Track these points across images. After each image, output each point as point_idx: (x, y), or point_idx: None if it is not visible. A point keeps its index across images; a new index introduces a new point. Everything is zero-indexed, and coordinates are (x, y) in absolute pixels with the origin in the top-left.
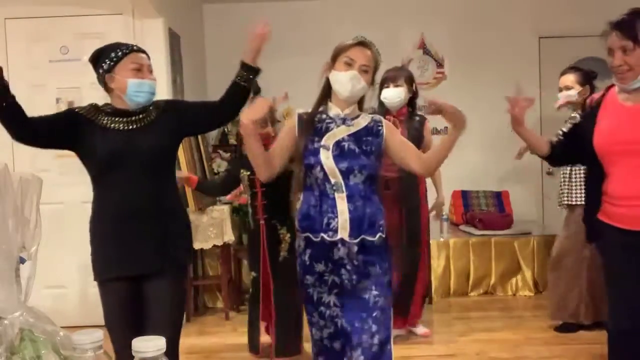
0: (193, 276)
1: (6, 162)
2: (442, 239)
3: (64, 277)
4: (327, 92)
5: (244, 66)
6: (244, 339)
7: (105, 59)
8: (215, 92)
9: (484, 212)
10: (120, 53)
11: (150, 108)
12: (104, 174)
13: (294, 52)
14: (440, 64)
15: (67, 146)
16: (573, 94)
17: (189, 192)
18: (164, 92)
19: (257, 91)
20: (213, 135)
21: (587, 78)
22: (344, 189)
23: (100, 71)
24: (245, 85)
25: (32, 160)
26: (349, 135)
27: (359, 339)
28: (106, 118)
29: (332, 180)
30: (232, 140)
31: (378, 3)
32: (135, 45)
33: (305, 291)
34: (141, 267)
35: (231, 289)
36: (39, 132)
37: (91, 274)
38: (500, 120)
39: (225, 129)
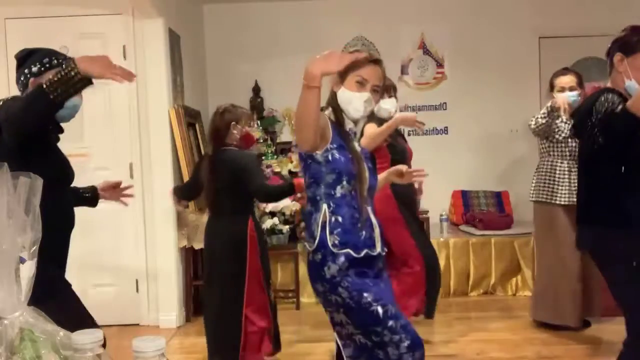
0: (193, 276)
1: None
2: (442, 239)
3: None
4: (336, 105)
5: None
6: None
7: (37, 62)
8: (215, 92)
9: (484, 212)
10: (55, 61)
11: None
12: (54, 188)
13: (293, 51)
14: (440, 64)
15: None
16: (575, 95)
17: None
18: (164, 92)
19: (257, 90)
20: None
21: (582, 80)
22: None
23: (26, 71)
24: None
25: None
26: (362, 152)
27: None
28: (50, 127)
29: (365, 193)
30: None
31: (378, 3)
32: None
33: (369, 311)
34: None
35: None
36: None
37: (91, 273)
38: (500, 119)
39: None
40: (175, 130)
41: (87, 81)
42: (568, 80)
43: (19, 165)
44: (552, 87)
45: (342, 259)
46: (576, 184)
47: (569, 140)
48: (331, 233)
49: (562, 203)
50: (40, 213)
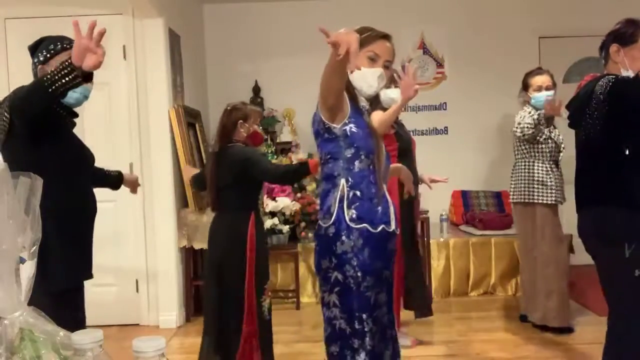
0: (193, 276)
1: (6, 162)
2: (442, 239)
3: None
4: (349, 83)
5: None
6: None
7: (43, 50)
8: (215, 92)
9: (484, 212)
10: (59, 47)
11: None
12: (71, 174)
13: (293, 51)
14: (440, 64)
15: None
16: (552, 94)
17: (189, 191)
18: (164, 92)
19: (257, 90)
20: (213, 134)
21: (555, 81)
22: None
23: (35, 60)
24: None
25: None
26: None
27: (394, 329)
28: (64, 114)
29: (382, 169)
30: None
31: (378, 3)
32: None
33: (364, 296)
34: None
35: None
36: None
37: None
38: (500, 119)
39: None
40: (175, 130)
41: (81, 74)
42: (545, 79)
43: (34, 153)
44: (526, 87)
45: (356, 234)
46: (558, 184)
47: (549, 141)
48: (349, 207)
49: (548, 202)
50: (58, 200)
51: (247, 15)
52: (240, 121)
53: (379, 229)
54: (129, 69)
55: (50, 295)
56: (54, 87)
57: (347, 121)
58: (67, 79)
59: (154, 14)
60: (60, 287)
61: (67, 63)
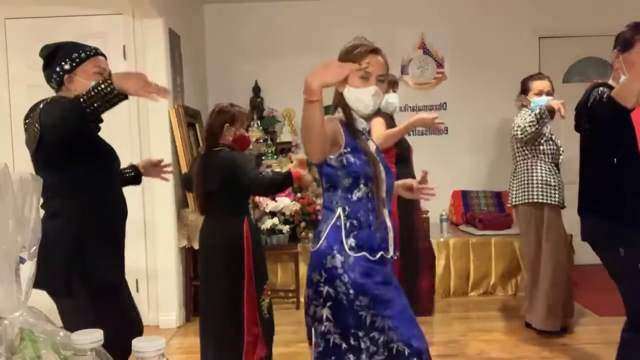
0: (193, 276)
1: (6, 162)
2: (442, 239)
3: None
4: (344, 105)
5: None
6: None
7: (66, 58)
8: (215, 92)
9: (484, 212)
10: (83, 55)
11: None
12: (104, 177)
13: (293, 51)
14: (440, 64)
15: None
16: (552, 99)
17: (189, 192)
18: None
19: (257, 90)
20: None
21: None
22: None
23: (58, 69)
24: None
25: None
26: (376, 151)
27: (424, 342)
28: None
29: (382, 195)
30: None
31: (378, 3)
32: (99, 49)
33: (357, 315)
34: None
35: None
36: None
37: None
38: (500, 119)
39: None
40: (175, 130)
41: (122, 97)
42: (546, 84)
43: (67, 161)
44: (525, 90)
45: (352, 259)
46: (560, 185)
47: (550, 142)
48: (347, 236)
49: (552, 203)
50: (94, 202)
51: (247, 15)
52: (227, 124)
53: (378, 256)
54: (129, 69)
55: (90, 294)
56: (92, 108)
57: (343, 151)
58: (106, 98)
59: (154, 14)
60: (99, 285)
61: (106, 84)
